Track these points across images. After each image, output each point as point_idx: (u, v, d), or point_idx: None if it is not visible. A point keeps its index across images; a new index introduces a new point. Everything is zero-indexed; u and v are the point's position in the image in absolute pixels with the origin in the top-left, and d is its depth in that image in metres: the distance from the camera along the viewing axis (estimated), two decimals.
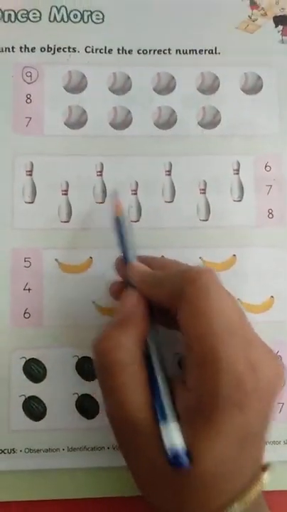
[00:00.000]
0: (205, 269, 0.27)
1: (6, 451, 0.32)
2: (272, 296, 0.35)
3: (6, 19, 0.36)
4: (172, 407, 0.26)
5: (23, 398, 0.33)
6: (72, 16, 0.37)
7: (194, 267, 0.28)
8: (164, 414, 0.26)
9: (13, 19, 0.36)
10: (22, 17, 0.37)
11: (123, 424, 0.27)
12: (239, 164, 0.36)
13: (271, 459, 0.27)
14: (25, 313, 0.34)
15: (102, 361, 0.27)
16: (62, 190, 0.35)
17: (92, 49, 0.37)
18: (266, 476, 0.26)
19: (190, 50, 0.37)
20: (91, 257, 0.34)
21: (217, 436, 0.24)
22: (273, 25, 0.38)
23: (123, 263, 0.31)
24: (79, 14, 0.37)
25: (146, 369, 0.28)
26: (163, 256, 0.35)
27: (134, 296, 0.29)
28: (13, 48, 0.36)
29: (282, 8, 0.38)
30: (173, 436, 0.25)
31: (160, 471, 0.25)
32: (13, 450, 0.32)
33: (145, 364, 0.28)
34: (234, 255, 0.35)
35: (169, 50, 0.37)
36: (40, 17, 0.37)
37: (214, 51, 0.37)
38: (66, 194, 0.35)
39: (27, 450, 0.32)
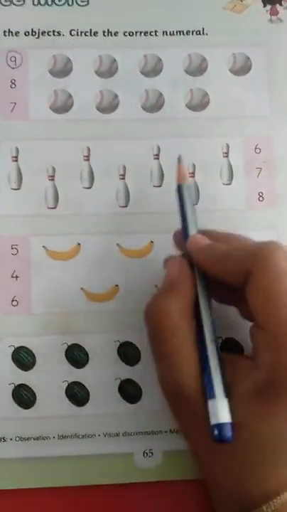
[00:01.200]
0: (275, 248, 0.26)
1: None
2: None
3: None
4: (221, 382, 0.26)
5: (13, 386, 0.32)
6: None
7: (262, 245, 0.26)
8: (212, 390, 0.26)
9: None
10: (5, 1, 0.36)
11: (174, 390, 0.27)
12: (228, 147, 0.36)
13: None
14: (13, 300, 0.33)
15: (152, 327, 0.27)
16: (49, 176, 0.34)
17: (77, 32, 0.36)
18: None
19: (176, 32, 0.36)
20: (79, 244, 0.34)
21: (283, 413, 0.24)
22: (262, 4, 0.37)
23: (182, 236, 0.30)
24: None
25: (197, 336, 0.27)
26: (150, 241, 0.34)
27: (176, 264, 0.29)
28: None
29: None
30: (220, 414, 0.25)
31: (210, 440, 0.25)
32: (3, 438, 0.32)
33: (196, 331, 0.27)
34: None
35: (155, 31, 0.36)
36: (23, 0, 0.36)
37: (201, 32, 0.36)
38: (53, 179, 0.34)
39: (17, 438, 0.32)
